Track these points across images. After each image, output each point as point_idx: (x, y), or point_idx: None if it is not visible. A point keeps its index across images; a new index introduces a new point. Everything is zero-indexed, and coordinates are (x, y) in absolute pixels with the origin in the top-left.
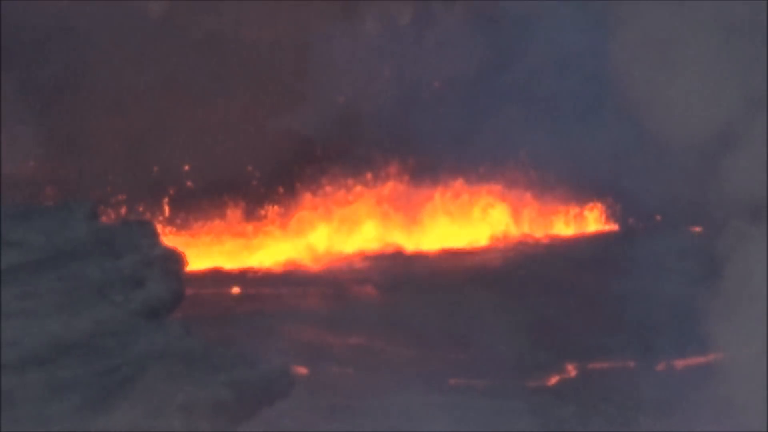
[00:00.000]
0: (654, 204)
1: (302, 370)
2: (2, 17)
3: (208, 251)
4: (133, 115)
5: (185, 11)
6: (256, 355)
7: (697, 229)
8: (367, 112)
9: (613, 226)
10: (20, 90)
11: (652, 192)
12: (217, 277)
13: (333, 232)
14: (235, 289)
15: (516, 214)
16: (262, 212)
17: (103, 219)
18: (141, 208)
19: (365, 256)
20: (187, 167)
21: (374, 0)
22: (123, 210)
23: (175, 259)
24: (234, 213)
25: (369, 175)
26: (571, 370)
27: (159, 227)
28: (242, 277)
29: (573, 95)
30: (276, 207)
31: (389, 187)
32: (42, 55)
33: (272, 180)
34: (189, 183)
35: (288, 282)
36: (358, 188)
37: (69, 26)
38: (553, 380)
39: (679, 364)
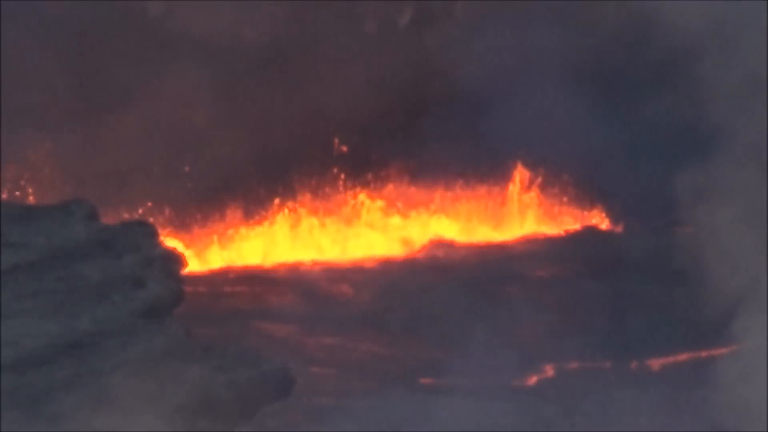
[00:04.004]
0: (643, 204)
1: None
2: (2, 17)
3: (205, 251)
4: (133, 115)
5: (185, 11)
6: (256, 355)
7: (687, 228)
8: (367, 112)
9: (597, 226)
10: (20, 90)
11: (642, 192)
12: (200, 276)
13: (329, 233)
14: (215, 288)
15: (504, 214)
16: (262, 213)
17: (103, 219)
18: (141, 208)
19: (352, 258)
20: (187, 168)
21: (374, 0)
22: (123, 210)
23: (174, 260)
24: (234, 213)
25: (369, 176)
26: (549, 370)
27: (159, 227)
28: (224, 275)
29: (573, 96)
30: (275, 208)
31: (389, 188)
32: (42, 55)
33: (272, 180)
34: (189, 183)
35: (269, 281)
36: (358, 189)
37: (69, 26)
38: (533, 380)
39: (665, 363)
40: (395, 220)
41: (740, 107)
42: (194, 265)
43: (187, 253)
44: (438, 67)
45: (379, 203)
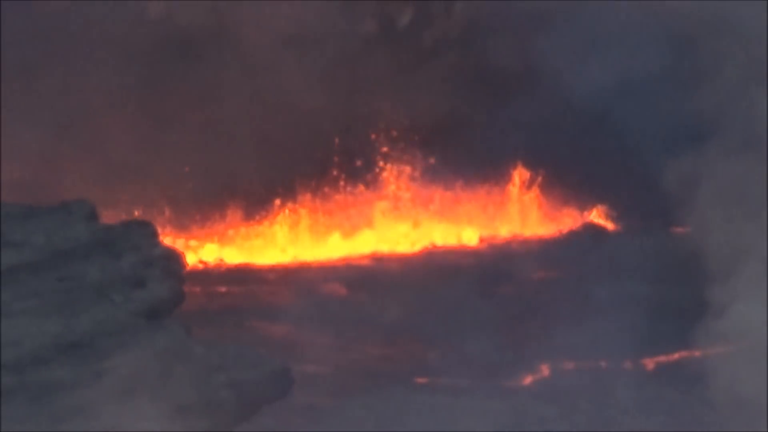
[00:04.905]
0: (642, 203)
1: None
2: (2, 17)
3: (204, 250)
4: (133, 115)
5: (185, 11)
6: (256, 355)
7: (682, 229)
8: (367, 112)
9: (596, 226)
10: (20, 90)
11: (641, 191)
12: (199, 275)
13: (329, 233)
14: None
15: (504, 214)
16: (262, 213)
17: (103, 219)
18: (141, 208)
19: (350, 258)
20: (187, 168)
21: (374, 0)
22: (123, 210)
23: (175, 259)
24: (234, 213)
25: (369, 177)
26: (545, 370)
27: (159, 227)
28: (223, 275)
29: (572, 96)
30: (275, 208)
31: (389, 188)
32: (42, 55)
33: (272, 181)
34: (189, 183)
35: (268, 281)
36: (358, 190)
37: (69, 26)
38: (529, 380)
39: (661, 363)
40: (395, 220)
41: (741, 105)
42: (193, 264)
43: (188, 252)
44: (438, 67)
45: (379, 203)
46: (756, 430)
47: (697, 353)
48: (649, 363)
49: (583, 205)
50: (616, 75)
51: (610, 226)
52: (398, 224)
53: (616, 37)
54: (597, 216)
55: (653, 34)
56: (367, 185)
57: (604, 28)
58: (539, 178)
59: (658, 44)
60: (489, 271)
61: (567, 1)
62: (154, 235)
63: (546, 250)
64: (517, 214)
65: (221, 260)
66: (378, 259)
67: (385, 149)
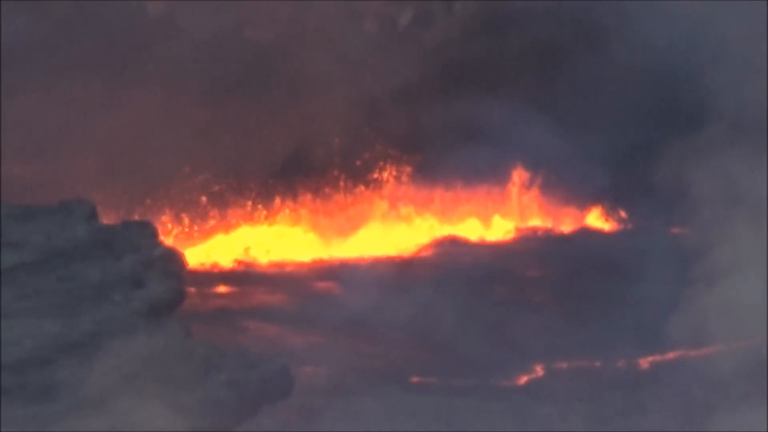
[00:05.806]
0: (638, 204)
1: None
2: (2, 17)
3: (204, 250)
4: (133, 115)
5: (185, 11)
6: (255, 355)
7: (681, 229)
8: (367, 113)
9: (594, 226)
10: (20, 90)
11: (637, 192)
12: (199, 275)
13: (329, 233)
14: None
15: (503, 214)
16: (263, 212)
17: (103, 219)
18: (141, 208)
19: (349, 258)
20: (187, 168)
21: (373, 0)
22: (123, 210)
23: (175, 259)
24: (234, 213)
25: (369, 177)
26: (541, 370)
27: (159, 227)
28: (222, 274)
29: (572, 97)
30: (276, 207)
31: (389, 188)
32: (42, 55)
33: (272, 181)
34: (189, 183)
35: (268, 280)
36: (358, 189)
37: (69, 26)
38: (524, 379)
39: (657, 363)
40: (395, 220)
41: (743, 106)
42: (194, 264)
43: (187, 252)
44: (438, 67)
45: (380, 204)
46: (755, 429)
47: (694, 353)
48: (645, 363)
49: (583, 205)
50: (615, 75)
51: (609, 226)
52: (398, 224)
53: (615, 38)
54: (596, 216)
55: (653, 34)
56: (367, 185)
57: (603, 28)
58: (539, 178)
59: (656, 44)
60: (488, 271)
61: (565, 2)
62: (154, 235)
63: (545, 250)
64: (516, 214)
65: (221, 260)
66: (377, 259)
67: (384, 149)
